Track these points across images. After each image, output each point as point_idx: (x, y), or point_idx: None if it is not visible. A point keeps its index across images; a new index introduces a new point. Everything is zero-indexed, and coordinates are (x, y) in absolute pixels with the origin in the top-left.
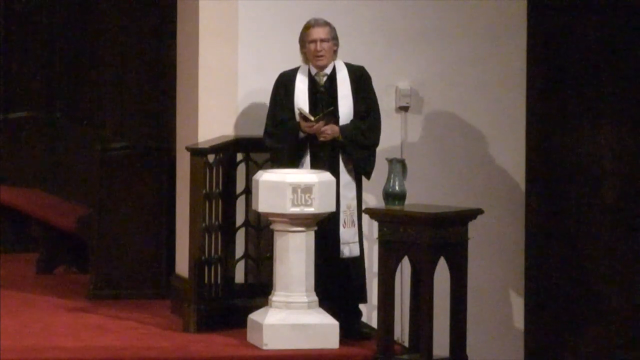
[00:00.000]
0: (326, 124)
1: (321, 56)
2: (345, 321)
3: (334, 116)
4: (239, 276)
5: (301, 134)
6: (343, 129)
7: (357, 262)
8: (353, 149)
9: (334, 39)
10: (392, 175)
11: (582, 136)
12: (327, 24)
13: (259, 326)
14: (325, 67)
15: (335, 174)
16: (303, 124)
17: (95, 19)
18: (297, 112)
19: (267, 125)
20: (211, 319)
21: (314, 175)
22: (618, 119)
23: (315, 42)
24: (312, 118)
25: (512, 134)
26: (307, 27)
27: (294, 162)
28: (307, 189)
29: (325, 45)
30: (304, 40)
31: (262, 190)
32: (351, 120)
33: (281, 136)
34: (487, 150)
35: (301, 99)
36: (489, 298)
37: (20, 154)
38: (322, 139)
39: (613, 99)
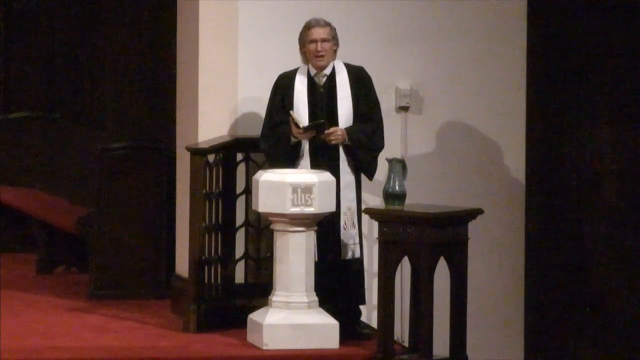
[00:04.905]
0: (317, 134)
1: (321, 56)
2: (345, 321)
3: (323, 128)
4: (239, 276)
5: (293, 139)
6: (349, 131)
7: (357, 263)
8: (359, 152)
9: (334, 39)
10: (392, 175)
11: (582, 136)
12: (327, 24)
13: (259, 326)
14: (325, 67)
15: (335, 175)
16: (294, 129)
17: (95, 19)
18: (291, 115)
19: (263, 127)
20: (211, 319)
21: (314, 175)
22: (618, 119)
23: (316, 42)
24: (301, 125)
25: (512, 134)
26: (308, 27)
27: (289, 164)
28: (307, 189)
29: (326, 45)
30: (304, 40)
31: (262, 190)
32: (355, 123)
33: (274, 141)
34: (487, 150)
35: (300, 100)
36: (489, 298)
37: (20, 154)
38: (333, 141)
39: (613, 99)
